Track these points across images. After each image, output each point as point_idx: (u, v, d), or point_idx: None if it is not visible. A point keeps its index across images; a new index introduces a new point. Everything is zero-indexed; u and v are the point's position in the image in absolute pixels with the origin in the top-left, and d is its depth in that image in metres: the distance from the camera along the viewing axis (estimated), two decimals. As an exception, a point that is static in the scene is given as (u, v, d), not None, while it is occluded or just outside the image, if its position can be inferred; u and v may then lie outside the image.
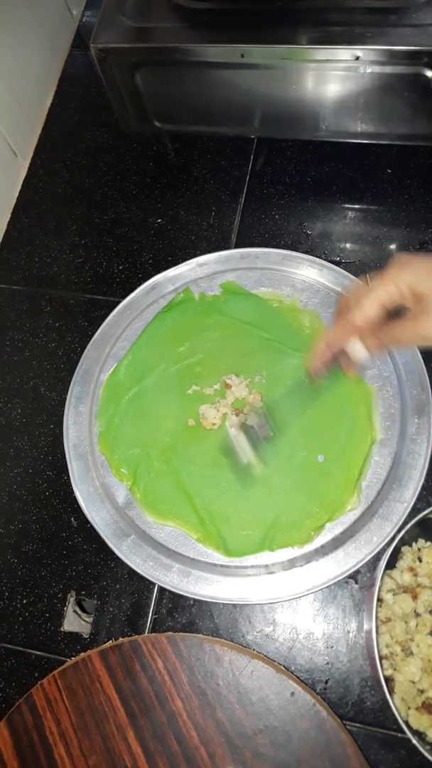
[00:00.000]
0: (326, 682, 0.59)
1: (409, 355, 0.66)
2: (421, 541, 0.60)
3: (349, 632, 0.60)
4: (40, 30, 0.88)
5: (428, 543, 0.60)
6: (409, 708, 0.54)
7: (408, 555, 0.59)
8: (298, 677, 0.58)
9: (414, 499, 0.60)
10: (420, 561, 0.59)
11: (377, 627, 0.54)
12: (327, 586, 0.60)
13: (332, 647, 0.60)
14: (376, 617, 0.54)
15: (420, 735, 0.53)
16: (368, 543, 0.60)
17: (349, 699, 0.58)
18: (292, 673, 0.59)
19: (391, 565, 0.59)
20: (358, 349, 0.44)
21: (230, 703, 0.57)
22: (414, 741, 0.50)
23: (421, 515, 0.57)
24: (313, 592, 0.60)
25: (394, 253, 0.74)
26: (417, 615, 0.58)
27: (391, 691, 0.54)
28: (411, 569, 0.59)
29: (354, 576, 0.61)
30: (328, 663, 0.60)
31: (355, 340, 0.44)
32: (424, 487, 0.61)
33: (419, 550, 0.59)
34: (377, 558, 0.59)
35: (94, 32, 0.65)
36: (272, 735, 0.55)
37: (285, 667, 0.59)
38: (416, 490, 0.61)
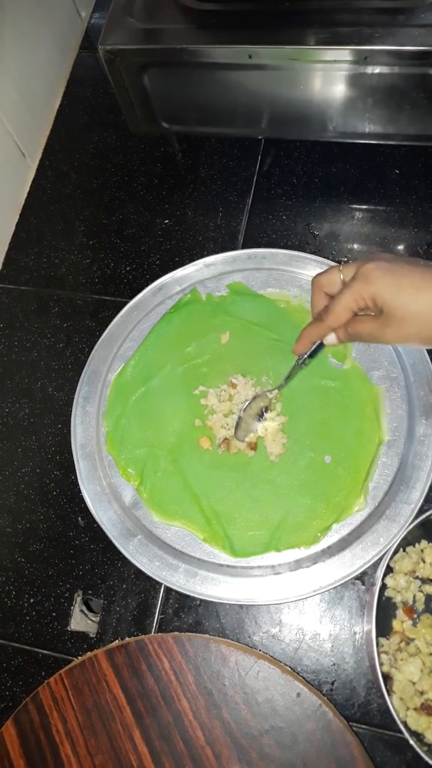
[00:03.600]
0: (332, 684, 0.59)
1: (416, 356, 0.66)
2: (423, 542, 0.60)
3: (355, 633, 0.60)
4: (48, 32, 0.88)
5: (431, 544, 0.59)
6: (407, 708, 0.54)
7: (412, 555, 0.59)
8: (304, 678, 0.58)
9: (421, 500, 0.60)
10: (423, 562, 0.59)
11: (377, 627, 0.54)
12: (334, 587, 0.60)
13: (339, 648, 0.60)
14: (377, 617, 0.54)
15: (418, 736, 0.53)
16: (375, 544, 0.60)
17: (356, 700, 0.58)
18: (298, 674, 0.59)
19: (393, 565, 0.59)
20: (331, 339, 0.54)
21: (236, 703, 0.57)
22: (411, 741, 0.50)
23: (423, 516, 0.57)
24: (319, 593, 0.60)
25: (402, 251, 0.74)
26: (419, 616, 0.58)
27: (390, 691, 0.54)
28: (414, 570, 0.59)
29: (361, 577, 0.61)
30: (334, 664, 0.59)
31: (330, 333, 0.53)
32: (431, 489, 0.61)
33: (422, 551, 0.59)
34: (383, 559, 0.59)
35: (103, 34, 0.66)
36: (278, 736, 0.55)
37: (291, 668, 0.59)
38: (424, 492, 0.61)
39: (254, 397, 0.65)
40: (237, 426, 0.65)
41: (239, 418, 0.65)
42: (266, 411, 0.66)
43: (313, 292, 0.54)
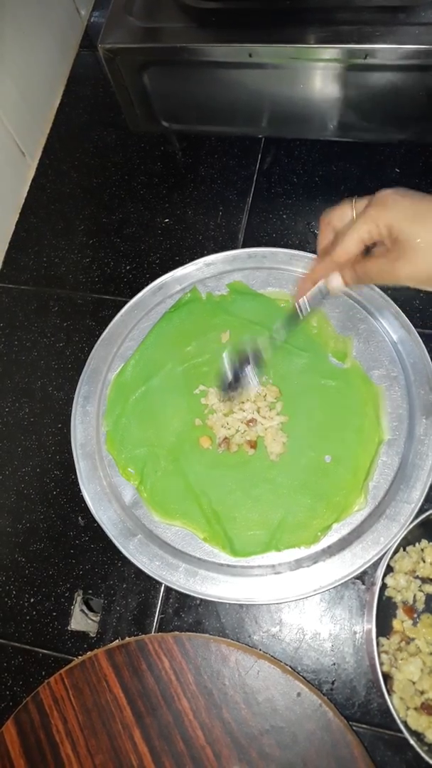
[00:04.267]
0: (333, 683, 0.59)
1: (417, 355, 0.66)
2: (424, 542, 0.59)
3: (356, 633, 0.60)
4: (48, 30, 0.88)
5: (431, 543, 0.59)
6: (408, 708, 0.54)
7: (412, 555, 0.59)
8: (304, 678, 0.58)
9: (422, 500, 0.60)
10: (423, 561, 0.59)
11: (377, 627, 0.54)
12: (334, 587, 0.60)
13: (339, 648, 0.60)
14: (377, 617, 0.54)
15: (418, 735, 0.53)
16: (375, 544, 0.60)
17: (356, 700, 0.58)
18: (298, 673, 0.59)
19: (393, 565, 0.59)
20: (336, 281, 0.47)
21: (236, 703, 0.57)
22: (411, 741, 0.50)
23: (424, 516, 0.57)
24: (319, 593, 0.60)
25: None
26: (419, 616, 0.58)
27: (390, 691, 0.54)
28: (414, 570, 0.59)
29: (361, 577, 0.61)
30: (334, 664, 0.59)
31: (335, 273, 0.48)
32: (431, 488, 0.61)
33: (422, 550, 0.59)
34: (383, 558, 0.59)
35: (102, 32, 0.66)
36: (278, 735, 0.55)
37: (291, 668, 0.59)
38: (424, 491, 0.60)
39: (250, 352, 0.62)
40: (222, 382, 0.64)
41: (224, 372, 0.63)
42: (253, 363, 0.62)
43: (320, 228, 0.50)
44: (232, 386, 0.63)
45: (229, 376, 0.62)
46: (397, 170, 0.78)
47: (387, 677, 0.55)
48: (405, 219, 0.43)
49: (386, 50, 0.59)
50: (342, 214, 0.48)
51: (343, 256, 0.46)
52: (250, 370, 0.62)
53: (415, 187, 0.75)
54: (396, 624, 0.58)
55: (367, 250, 0.47)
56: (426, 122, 0.67)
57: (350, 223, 0.47)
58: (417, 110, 0.66)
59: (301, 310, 0.53)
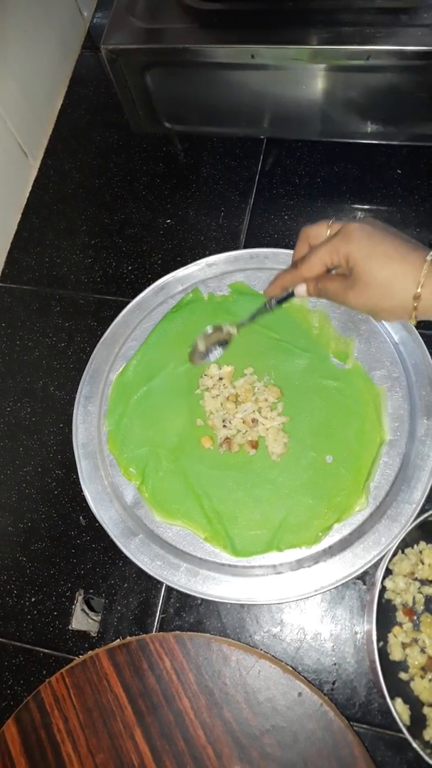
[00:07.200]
0: (333, 683, 0.59)
1: (418, 356, 0.66)
2: (422, 543, 0.60)
3: (356, 633, 0.60)
4: (50, 31, 0.88)
5: (429, 545, 0.59)
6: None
7: (410, 557, 0.59)
8: (305, 678, 0.58)
9: (423, 500, 0.60)
10: (422, 563, 0.59)
11: (378, 628, 0.54)
12: (335, 587, 0.60)
13: (340, 648, 0.60)
14: (377, 618, 0.54)
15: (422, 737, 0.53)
16: (376, 544, 0.60)
17: (357, 700, 0.58)
18: (299, 673, 0.59)
19: (392, 567, 0.59)
20: (301, 290, 0.56)
21: (237, 702, 0.57)
22: (412, 742, 0.50)
23: (422, 518, 0.57)
24: (320, 593, 0.60)
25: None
26: (419, 617, 0.58)
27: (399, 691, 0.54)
28: (413, 572, 0.59)
29: (362, 577, 0.61)
30: (335, 664, 0.59)
31: (301, 283, 0.55)
32: (432, 489, 0.61)
33: (420, 552, 0.59)
34: (383, 560, 0.59)
35: (105, 33, 0.66)
36: (279, 735, 0.55)
37: (292, 668, 0.59)
38: (425, 492, 0.61)
39: (214, 329, 0.66)
40: (192, 351, 0.67)
41: (196, 342, 0.66)
42: (221, 345, 0.66)
43: (298, 240, 0.56)
44: (199, 359, 0.67)
45: (201, 350, 0.67)
46: (399, 171, 0.78)
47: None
48: (361, 255, 0.48)
49: (388, 52, 0.59)
50: (318, 231, 0.54)
51: (308, 272, 0.53)
52: (216, 348, 0.67)
53: (416, 187, 0.76)
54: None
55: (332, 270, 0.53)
56: (427, 123, 0.67)
57: (323, 242, 0.53)
58: (419, 111, 0.66)
59: (270, 305, 0.60)
